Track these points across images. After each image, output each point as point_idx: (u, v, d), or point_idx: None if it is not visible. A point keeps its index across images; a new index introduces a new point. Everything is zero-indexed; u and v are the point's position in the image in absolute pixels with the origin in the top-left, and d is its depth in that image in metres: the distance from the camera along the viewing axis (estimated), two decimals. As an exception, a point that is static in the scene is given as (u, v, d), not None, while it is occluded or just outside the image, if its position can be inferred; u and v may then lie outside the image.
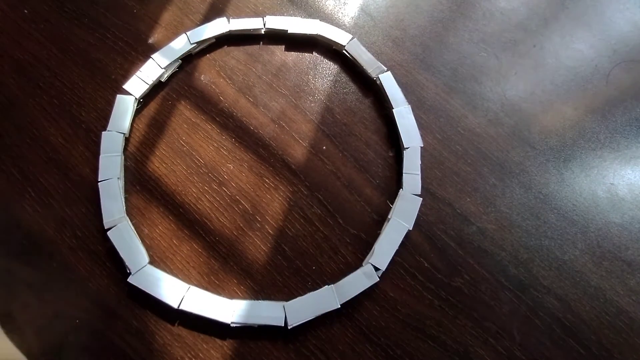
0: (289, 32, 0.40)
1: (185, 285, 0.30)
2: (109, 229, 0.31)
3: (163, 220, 0.33)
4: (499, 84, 0.41)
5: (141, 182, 0.34)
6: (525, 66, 0.43)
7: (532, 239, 0.35)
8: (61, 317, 0.30)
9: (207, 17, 0.41)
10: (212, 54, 0.40)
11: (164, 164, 0.35)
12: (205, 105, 0.37)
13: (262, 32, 0.40)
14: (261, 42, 0.41)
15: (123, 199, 0.32)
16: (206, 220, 0.33)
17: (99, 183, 0.32)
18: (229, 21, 0.39)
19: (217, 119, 0.37)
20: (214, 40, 0.39)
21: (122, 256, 0.30)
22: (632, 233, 0.35)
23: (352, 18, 0.43)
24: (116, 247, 0.30)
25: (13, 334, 0.29)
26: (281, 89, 0.39)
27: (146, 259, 0.30)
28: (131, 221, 0.32)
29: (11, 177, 0.33)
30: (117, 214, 0.31)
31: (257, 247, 0.33)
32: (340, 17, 0.43)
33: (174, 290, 0.29)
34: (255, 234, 0.33)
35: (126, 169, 0.34)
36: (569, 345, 0.31)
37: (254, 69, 0.39)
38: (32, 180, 0.33)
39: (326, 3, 0.44)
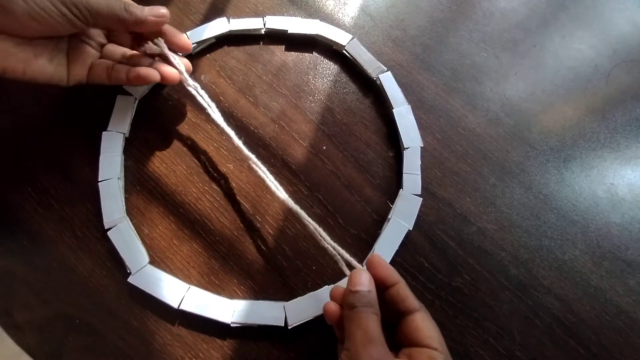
0: (289, 32, 0.40)
1: (185, 285, 0.30)
2: (109, 229, 0.31)
3: (163, 220, 0.33)
4: (499, 84, 0.41)
5: (141, 182, 0.34)
6: (525, 66, 0.43)
7: (532, 239, 0.35)
8: (61, 317, 0.30)
9: (207, 17, 0.41)
10: (212, 54, 0.40)
11: (164, 164, 0.35)
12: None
13: (262, 32, 0.40)
14: (261, 42, 0.41)
15: (123, 199, 0.32)
16: (206, 220, 0.33)
17: (99, 183, 0.32)
18: (229, 21, 0.39)
19: (217, 119, 0.37)
20: (214, 40, 0.39)
21: (122, 256, 0.30)
22: (632, 233, 0.35)
23: (352, 18, 0.43)
24: (116, 247, 0.30)
25: (13, 334, 0.29)
26: (281, 89, 0.39)
27: (146, 259, 0.30)
28: (131, 221, 0.32)
29: (11, 177, 0.33)
30: (117, 214, 0.31)
31: (257, 247, 0.33)
32: (340, 17, 0.43)
33: (174, 290, 0.29)
34: (255, 234, 0.33)
35: (126, 168, 0.34)
36: (569, 345, 0.31)
37: (254, 69, 0.39)
38: (32, 180, 0.33)
39: (326, 3, 0.44)
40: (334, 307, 0.25)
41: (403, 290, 0.24)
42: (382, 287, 0.25)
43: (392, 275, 0.25)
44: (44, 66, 0.27)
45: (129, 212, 0.32)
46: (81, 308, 0.30)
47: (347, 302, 0.23)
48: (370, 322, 0.22)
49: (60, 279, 0.31)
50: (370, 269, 0.25)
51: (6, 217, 0.32)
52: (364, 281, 0.24)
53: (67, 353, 0.29)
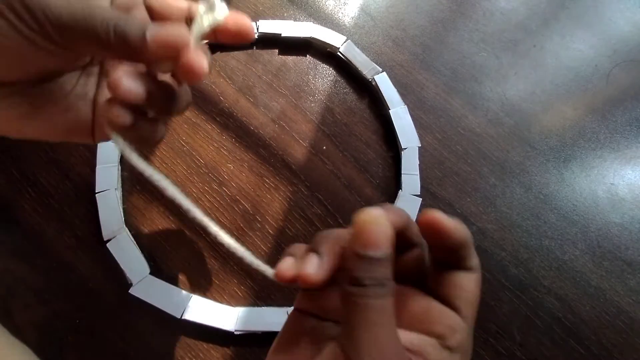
0: (282, 35, 0.40)
1: (187, 294, 0.30)
2: (108, 240, 0.30)
3: (163, 220, 0.33)
4: (499, 84, 0.41)
5: (141, 182, 0.34)
6: (525, 66, 0.43)
7: (532, 239, 0.35)
8: (61, 317, 0.30)
9: (207, 17, 0.41)
10: (212, 54, 0.40)
11: (164, 164, 0.35)
12: (205, 105, 0.37)
13: (256, 37, 0.40)
14: (254, 47, 0.40)
15: (121, 210, 0.32)
16: (206, 220, 0.33)
17: (96, 195, 0.32)
18: None
19: (218, 119, 0.37)
20: (207, 46, 0.39)
21: (122, 267, 0.30)
22: (632, 233, 0.35)
23: (352, 18, 0.43)
24: (116, 258, 0.30)
25: (13, 334, 0.29)
26: (281, 89, 0.39)
27: (147, 269, 0.30)
28: (131, 223, 0.32)
29: (11, 177, 0.33)
30: (115, 225, 0.31)
31: (257, 247, 0.33)
32: (340, 17, 0.43)
33: (177, 301, 0.29)
34: (255, 234, 0.33)
35: (124, 177, 0.34)
36: (569, 345, 0.31)
37: (254, 69, 0.39)
38: (32, 180, 0.33)
39: (326, 3, 0.44)
40: (291, 269, 0.16)
41: (468, 248, 0.16)
42: (446, 249, 0.16)
43: (461, 236, 0.15)
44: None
45: (128, 213, 0.32)
46: (81, 308, 0.30)
47: (350, 270, 0.14)
48: (383, 319, 0.13)
49: (60, 279, 0.30)
50: (429, 230, 0.16)
51: (6, 217, 0.32)
52: (382, 240, 0.14)
53: (67, 353, 0.29)
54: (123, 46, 0.15)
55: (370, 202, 0.35)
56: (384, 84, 0.38)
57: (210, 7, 0.18)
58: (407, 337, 0.15)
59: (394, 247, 0.14)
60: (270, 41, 0.41)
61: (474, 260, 0.16)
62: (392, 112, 0.37)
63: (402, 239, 0.17)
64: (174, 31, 0.15)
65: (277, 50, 0.40)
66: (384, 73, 0.38)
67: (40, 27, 0.14)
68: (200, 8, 0.18)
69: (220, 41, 0.19)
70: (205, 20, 0.17)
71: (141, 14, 0.18)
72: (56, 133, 0.18)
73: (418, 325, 0.15)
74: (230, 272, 0.32)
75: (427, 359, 0.14)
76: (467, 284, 0.16)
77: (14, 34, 0.14)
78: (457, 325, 0.15)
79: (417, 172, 0.35)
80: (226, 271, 0.32)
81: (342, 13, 0.43)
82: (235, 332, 0.29)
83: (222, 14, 0.18)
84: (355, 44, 0.40)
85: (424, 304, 0.16)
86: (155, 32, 0.15)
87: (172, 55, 0.16)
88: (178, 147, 0.35)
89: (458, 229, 0.15)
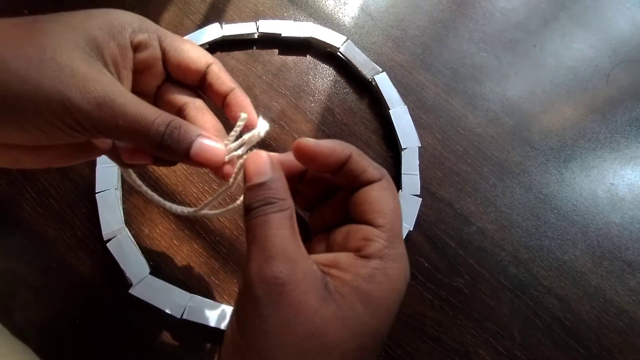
0: (282, 35, 0.40)
1: (187, 294, 0.30)
2: (108, 240, 0.30)
3: (163, 220, 0.33)
4: (499, 84, 0.41)
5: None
6: (525, 66, 0.43)
7: (532, 239, 0.35)
8: (61, 317, 0.30)
9: (207, 18, 0.41)
10: (211, 54, 0.40)
11: (164, 164, 0.35)
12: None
13: (256, 37, 0.40)
14: (254, 47, 0.40)
15: (121, 210, 0.32)
16: (206, 220, 0.33)
17: (96, 194, 0.32)
18: (222, 27, 0.39)
19: (217, 118, 0.37)
20: (207, 46, 0.39)
21: (122, 268, 0.30)
22: (632, 233, 0.35)
23: (352, 18, 0.43)
24: (116, 258, 0.30)
25: (13, 334, 0.29)
26: (281, 89, 0.39)
27: (147, 269, 0.30)
28: (131, 223, 0.32)
29: (11, 177, 0.33)
30: (115, 225, 0.31)
31: (257, 247, 0.33)
32: (340, 17, 0.43)
33: (176, 301, 0.29)
34: (255, 234, 0.33)
35: (124, 177, 0.34)
36: (569, 345, 0.31)
37: (254, 69, 0.39)
38: (32, 180, 0.33)
39: (326, 3, 0.44)
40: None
41: (357, 163, 0.17)
42: (331, 170, 0.18)
43: (334, 151, 0.17)
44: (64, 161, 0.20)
45: (128, 213, 0.32)
46: (81, 308, 0.30)
47: (244, 204, 0.18)
48: (269, 229, 0.15)
49: (60, 279, 0.30)
50: (300, 158, 0.18)
51: (6, 217, 0.32)
52: (262, 169, 0.17)
53: (67, 353, 0.29)
54: (165, 153, 0.18)
55: (370, 202, 0.35)
56: (384, 84, 0.38)
57: (256, 135, 0.20)
58: (325, 256, 0.16)
59: (281, 172, 0.17)
60: (270, 41, 0.41)
61: (371, 171, 0.17)
62: (392, 112, 0.37)
63: (323, 185, 0.20)
64: (215, 152, 0.20)
65: (277, 50, 0.40)
66: (384, 73, 0.38)
67: (84, 131, 0.16)
68: (242, 117, 0.20)
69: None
70: (247, 140, 0.20)
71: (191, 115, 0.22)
72: (71, 161, 0.20)
73: (339, 249, 0.17)
74: (230, 272, 0.32)
75: (339, 266, 0.15)
76: (370, 194, 0.17)
77: (54, 130, 0.16)
78: (371, 235, 0.16)
79: (417, 172, 0.35)
80: (226, 271, 0.32)
81: (342, 13, 0.43)
82: None
83: (263, 130, 0.20)
84: (355, 44, 0.40)
85: (344, 231, 0.18)
86: (198, 149, 0.19)
87: (206, 167, 0.20)
88: (178, 147, 0.35)
89: (322, 145, 0.17)
